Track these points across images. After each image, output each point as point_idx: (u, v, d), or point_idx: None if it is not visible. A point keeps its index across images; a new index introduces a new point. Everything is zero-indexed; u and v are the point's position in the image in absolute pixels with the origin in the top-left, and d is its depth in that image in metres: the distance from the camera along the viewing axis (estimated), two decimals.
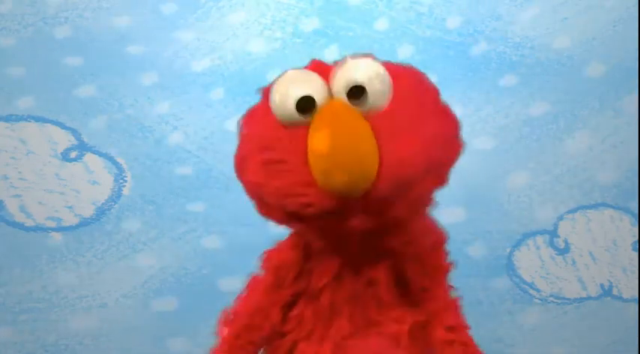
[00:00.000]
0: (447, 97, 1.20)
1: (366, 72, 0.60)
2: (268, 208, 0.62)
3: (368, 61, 0.61)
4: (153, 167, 1.12)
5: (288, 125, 0.60)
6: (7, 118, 1.16)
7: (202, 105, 1.19)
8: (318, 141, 0.58)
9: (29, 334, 0.96)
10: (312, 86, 0.60)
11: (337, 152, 0.57)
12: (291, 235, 0.66)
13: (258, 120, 0.63)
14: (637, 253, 1.03)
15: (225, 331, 0.68)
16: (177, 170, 1.12)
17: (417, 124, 0.60)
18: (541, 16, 1.26)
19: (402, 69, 0.63)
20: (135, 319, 0.98)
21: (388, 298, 0.65)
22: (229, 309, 0.68)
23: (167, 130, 1.16)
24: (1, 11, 1.28)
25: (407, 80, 0.62)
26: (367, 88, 0.59)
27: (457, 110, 1.17)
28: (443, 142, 0.62)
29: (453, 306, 0.68)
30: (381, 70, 0.60)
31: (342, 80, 0.60)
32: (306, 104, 0.60)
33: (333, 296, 0.64)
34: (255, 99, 1.23)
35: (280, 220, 0.63)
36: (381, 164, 0.58)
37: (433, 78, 1.28)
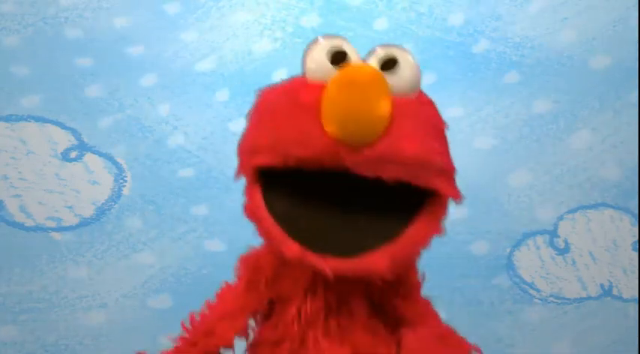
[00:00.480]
0: (446, 96, 1.21)
1: (401, 52, 0.61)
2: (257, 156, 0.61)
3: (399, 46, 0.62)
4: (153, 167, 1.12)
5: (315, 81, 0.60)
6: (7, 118, 1.16)
7: (202, 105, 1.19)
8: (334, 90, 0.58)
9: (29, 334, 0.96)
10: (348, 46, 0.61)
11: (349, 102, 0.57)
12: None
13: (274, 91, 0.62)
14: (637, 253, 1.03)
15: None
16: (177, 170, 1.12)
17: (433, 127, 0.61)
18: (541, 16, 1.26)
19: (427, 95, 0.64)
20: (135, 319, 0.98)
21: (362, 313, 0.64)
22: (195, 313, 0.67)
23: (167, 130, 1.16)
24: (1, 11, 1.28)
25: (432, 104, 0.63)
26: (400, 61, 0.60)
27: (457, 110, 1.17)
28: (445, 158, 0.62)
29: (430, 314, 0.67)
30: (412, 55, 0.61)
31: (375, 53, 0.60)
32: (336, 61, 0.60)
33: (305, 307, 0.64)
34: (255, 97, 1.23)
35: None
36: (386, 134, 0.58)
37: (433, 77, 1.29)
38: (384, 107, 0.58)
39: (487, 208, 1.07)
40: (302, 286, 0.64)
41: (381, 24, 1.27)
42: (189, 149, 1.14)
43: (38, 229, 1.06)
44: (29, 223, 1.06)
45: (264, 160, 0.60)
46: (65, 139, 1.14)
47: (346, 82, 0.58)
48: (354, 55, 0.61)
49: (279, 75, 1.21)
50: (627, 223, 1.05)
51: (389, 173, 0.58)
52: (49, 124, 1.15)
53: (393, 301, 0.65)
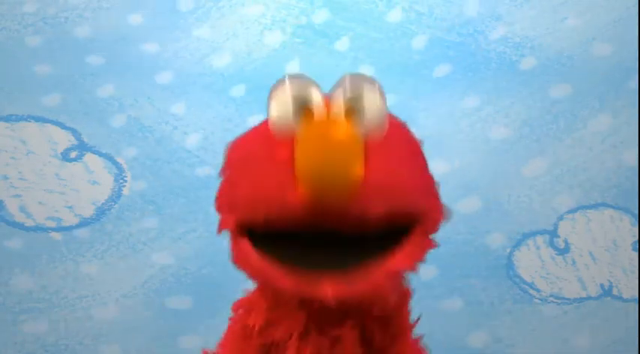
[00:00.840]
0: (447, 96, 1.21)
1: (365, 89, 0.60)
2: (236, 214, 0.60)
3: (366, 78, 0.61)
4: (153, 167, 1.12)
5: (280, 130, 0.59)
6: (7, 118, 1.16)
7: (202, 105, 1.19)
8: (306, 151, 0.57)
9: (30, 334, 0.96)
10: (311, 90, 0.60)
11: (323, 165, 0.57)
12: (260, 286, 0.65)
13: (248, 138, 0.62)
14: (637, 253, 1.03)
15: None
16: (177, 170, 1.12)
17: (409, 162, 0.60)
18: (541, 16, 1.26)
19: (394, 116, 0.63)
20: (135, 319, 0.98)
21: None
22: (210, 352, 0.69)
23: (167, 130, 1.16)
24: (1, 11, 1.28)
25: (401, 124, 0.62)
26: (365, 104, 0.59)
27: (456, 111, 1.17)
28: (427, 189, 0.61)
29: None
30: (379, 89, 0.60)
31: (339, 95, 0.60)
32: (301, 108, 0.59)
33: (299, 351, 0.63)
34: (255, 98, 1.23)
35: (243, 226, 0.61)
36: (365, 185, 0.58)
37: (433, 77, 1.28)
38: (359, 167, 0.57)
39: (487, 208, 1.07)
40: (295, 332, 0.63)
41: (380, 24, 1.27)
42: (189, 149, 1.14)
43: (38, 229, 1.06)
44: (29, 223, 1.06)
45: (245, 218, 0.59)
46: (65, 139, 1.14)
47: (318, 144, 0.57)
48: (319, 104, 0.59)
49: (279, 75, 1.21)
50: (627, 223, 1.05)
51: (373, 226, 0.58)
52: (49, 124, 1.15)
53: (383, 340, 0.65)
